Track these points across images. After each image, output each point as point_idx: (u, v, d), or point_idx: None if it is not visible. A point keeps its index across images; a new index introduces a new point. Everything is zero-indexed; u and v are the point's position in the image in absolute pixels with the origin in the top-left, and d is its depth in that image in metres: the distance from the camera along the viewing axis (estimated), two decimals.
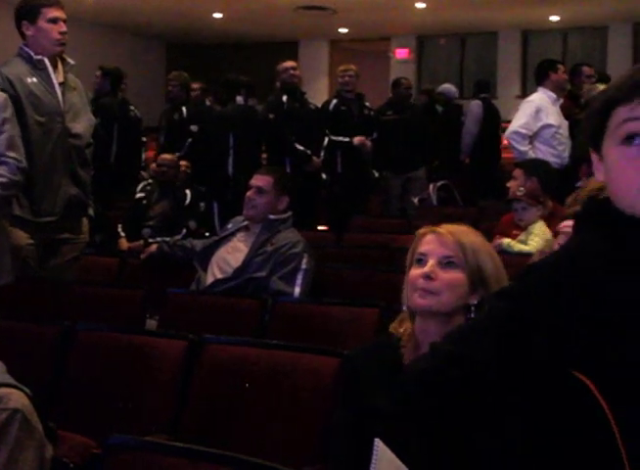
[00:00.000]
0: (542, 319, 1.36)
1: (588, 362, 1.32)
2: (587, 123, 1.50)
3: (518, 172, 4.96)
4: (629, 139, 1.38)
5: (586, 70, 7.37)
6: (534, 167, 5.01)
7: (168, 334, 3.26)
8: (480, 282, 2.15)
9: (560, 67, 6.65)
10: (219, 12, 14.49)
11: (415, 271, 2.16)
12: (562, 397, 1.34)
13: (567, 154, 6.40)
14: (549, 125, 6.39)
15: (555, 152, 6.37)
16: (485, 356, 1.38)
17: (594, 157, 1.49)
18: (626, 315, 1.35)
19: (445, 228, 2.18)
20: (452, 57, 16.83)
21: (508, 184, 5.05)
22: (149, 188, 6.24)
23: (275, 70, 7.50)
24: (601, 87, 6.61)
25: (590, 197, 1.56)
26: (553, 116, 6.44)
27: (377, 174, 7.95)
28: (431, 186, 8.10)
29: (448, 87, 10.07)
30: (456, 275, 2.14)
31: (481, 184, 8.43)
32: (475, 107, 8.73)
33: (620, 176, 1.40)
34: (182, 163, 6.72)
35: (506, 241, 4.59)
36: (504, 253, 4.33)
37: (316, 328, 3.59)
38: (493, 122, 8.88)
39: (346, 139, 7.53)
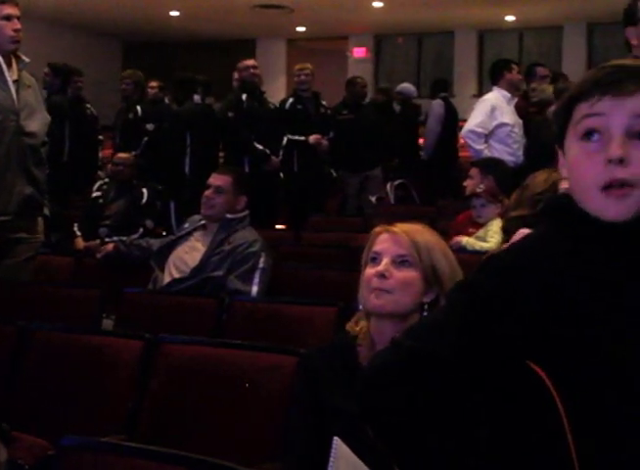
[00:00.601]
0: (500, 310, 1.39)
1: (543, 355, 1.35)
2: (554, 121, 1.54)
3: (474, 171, 5.00)
4: (588, 135, 1.42)
5: (541, 70, 7.44)
6: (490, 166, 5.04)
7: (125, 334, 3.24)
8: (434, 280, 2.16)
9: (514, 66, 6.71)
10: (176, 10, 14.42)
11: (370, 270, 2.17)
12: (518, 387, 1.37)
13: (521, 152, 6.47)
14: (504, 124, 6.45)
15: (510, 150, 6.43)
16: (448, 349, 1.39)
17: (560, 153, 1.53)
18: (580, 313, 1.37)
19: (400, 227, 2.19)
20: (409, 56, 16.92)
21: (464, 183, 5.09)
22: (105, 187, 6.18)
23: (233, 69, 7.48)
24: (550, 87, 6.70)
25: (553, 192, 1.60)
26: (508, 114, 6.51)
27: (334, 173, 7.96)
28: (388, 185, 8.12)
29: (407, 86, 10.10)
30: (410, 274, 2.15)
31: (439, 183, 8.47)
32: (437, 106, 8.75)
33: (579, 171, 1.44)
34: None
35: (465, 239, 4.62)
36: (462, 251, 4.37)
37: (274, 327, 3.59)
38: (452, 121, 8.92)
39: (302, 138, 7.53)
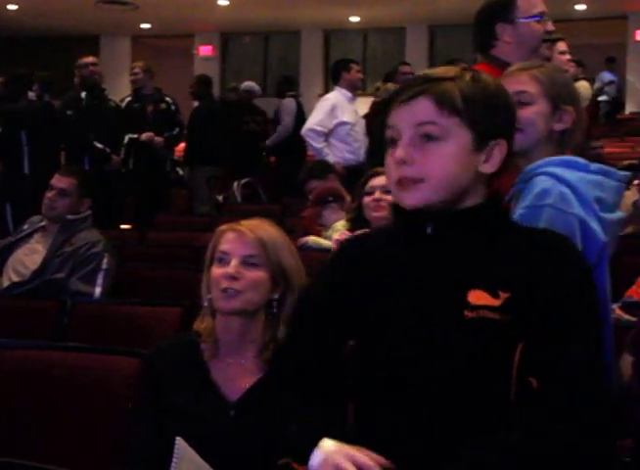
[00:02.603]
0: (327, 300, 1.79)
1: (359, 334, 1.73)
2: (382, 126, 1.74)
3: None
4: (391, 142, 1.69)
5: (403, 68, 7.87)
6: (327, 168, 5.15)
7: None
8: (281, 277, 2.18)
9: (353, 66, 6.85)
10: (14, 3, 13.96)
11: (218, 271, 2.16)
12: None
13: (363, 151, 6.60)
14: (344, 123, 6.58)
15: (350, 149, 6.57)
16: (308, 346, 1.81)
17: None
18: (385, 297, 1.67)
19: (246, 226, 2.19)
20: (256, 55, 16.98)
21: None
22: None
23: (74, 66, 7.31)
24: (388, 85, 6.88)
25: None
26: (348, 113, 6.64)
27: (181, 171, 7.89)
28: (235, 184, 8.11)
29: (251, 85, 10.11)
30: (260, 274, 2.16)
31: (286, 181, 8.51)
32: (290, 103, 8.78)
33: (386, 171, 1.71)
34: None
35: (312, 239, 4.65)
36: (307, 249, 4.41)
37: (119, 329, 3.52)
38: (302, 120, 8.98)
39: (135, 136, 7.44)
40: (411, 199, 1.64)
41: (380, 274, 1.70)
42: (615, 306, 3.14)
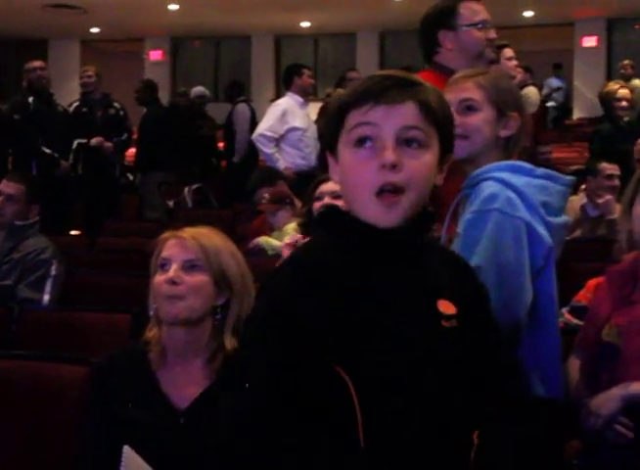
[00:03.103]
0: (297, 321, 1.46)
1: (344, 357, 1.45)
2: (325, 127, 1.60)
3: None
4: (361, 142, 1.50)
5: (351, 74, 7.93)
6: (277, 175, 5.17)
7: None
8: (224, 283, 2.17)
9: (305, 71, 6.84)
10: None
11: (159, 277, 2.16)
12: (326, 389, 1.44)
13: (314, 156, 6.61)
14: (295, 128, 6.58)
15: (302, 154, 6.57)
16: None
17: (330, 159, 1.58)
18: (364, 316, 1.48)
19: (187, 232, 2.18)
20: (207, 60, 16.94)
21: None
22: None
23: (23, 70, 7.23)
24: (338, 91, 6.90)
25: (327, 204, 1.71)
26: (300, 119, 6.64)
27: (131, 177, 7.83)
28: (185, 189, 8.07)
29: (203, 90, 10.08)
30: (200, 278, 2.14)
31: (238, 187, 8.48)
32: (244, 109, 8.76)
33: (353, 176, 1.52)
34: None
35: (263, 239, 4.64)
36: (261, 255, 4.41)
37: (67, 336, 3.48)
38: (254, 125, 8.96)
39: (84, 141, 7.38)
40: (392, 216, 1.49)
41: (347, 291, 1.50)
42: (564, 311, 3.17)
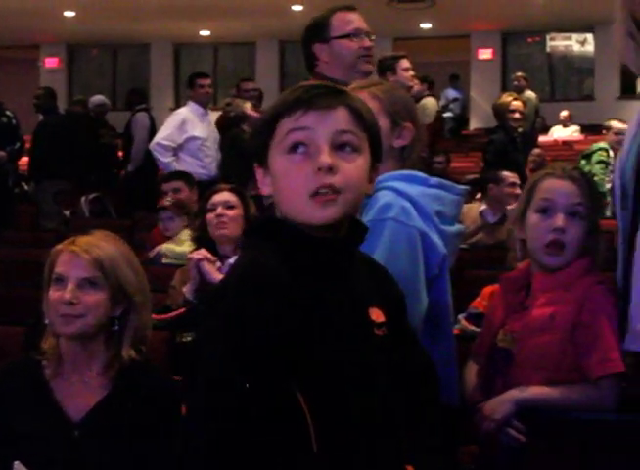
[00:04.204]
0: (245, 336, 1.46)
1: (294, 371, 1.47)
2: (252, 139, 1.61)
3: (179, 183, 5.00)
4: (294, 148, 1.53)
5: (245, 84, 7.85)
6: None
7: None
8: (122, 295, 2.14)
9: (201, 81, 6.79)
10: None
11: (55, 294, 2.11)
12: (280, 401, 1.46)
13: (214, 166, 6.57)
14: (195, 138, 6.53)
15: (201, 164, 6.53)
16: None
17: (259, 172, 1.59)
18: (309, 323, 1.49)
19: (80, 245, 2.13)
20: (105, 67, 16.73)
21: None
22: None
23: None
24: (247, 102, 6.86)
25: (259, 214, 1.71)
26: (200, 128, 6.59)
27: (26, 186, 7.66)
28: (82, 198, 7.92)
29: (102, 98, 9.93)
30: (98, 296, 2.11)
31: (136, 195, 8.37)
32: (143, 118, 8.63)
33: (288, 181, 1.54)
34: None
35: (165, 246, 4.60)
36: (158, 264, 4.37)
37: None
38: (154, 134, 8.85)
39: None
40: (327, 213, 1.50)
41: (294, 307, 1.49)
42: (460, 317, 3.23)
